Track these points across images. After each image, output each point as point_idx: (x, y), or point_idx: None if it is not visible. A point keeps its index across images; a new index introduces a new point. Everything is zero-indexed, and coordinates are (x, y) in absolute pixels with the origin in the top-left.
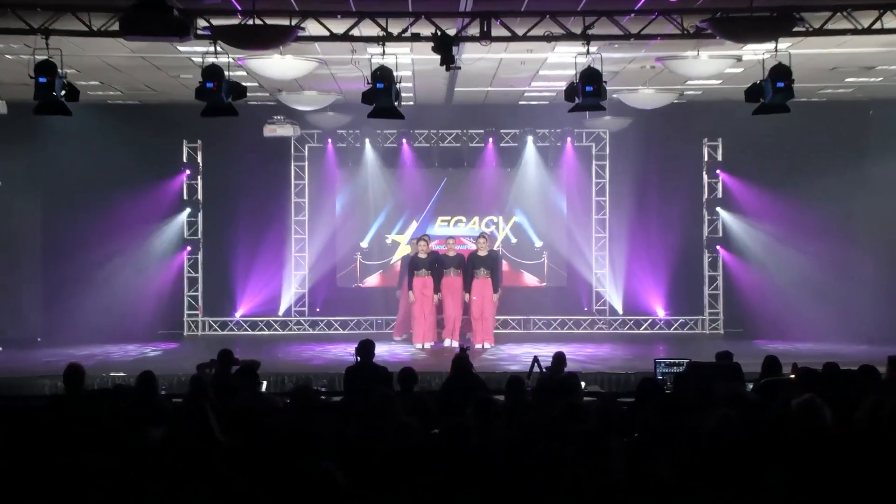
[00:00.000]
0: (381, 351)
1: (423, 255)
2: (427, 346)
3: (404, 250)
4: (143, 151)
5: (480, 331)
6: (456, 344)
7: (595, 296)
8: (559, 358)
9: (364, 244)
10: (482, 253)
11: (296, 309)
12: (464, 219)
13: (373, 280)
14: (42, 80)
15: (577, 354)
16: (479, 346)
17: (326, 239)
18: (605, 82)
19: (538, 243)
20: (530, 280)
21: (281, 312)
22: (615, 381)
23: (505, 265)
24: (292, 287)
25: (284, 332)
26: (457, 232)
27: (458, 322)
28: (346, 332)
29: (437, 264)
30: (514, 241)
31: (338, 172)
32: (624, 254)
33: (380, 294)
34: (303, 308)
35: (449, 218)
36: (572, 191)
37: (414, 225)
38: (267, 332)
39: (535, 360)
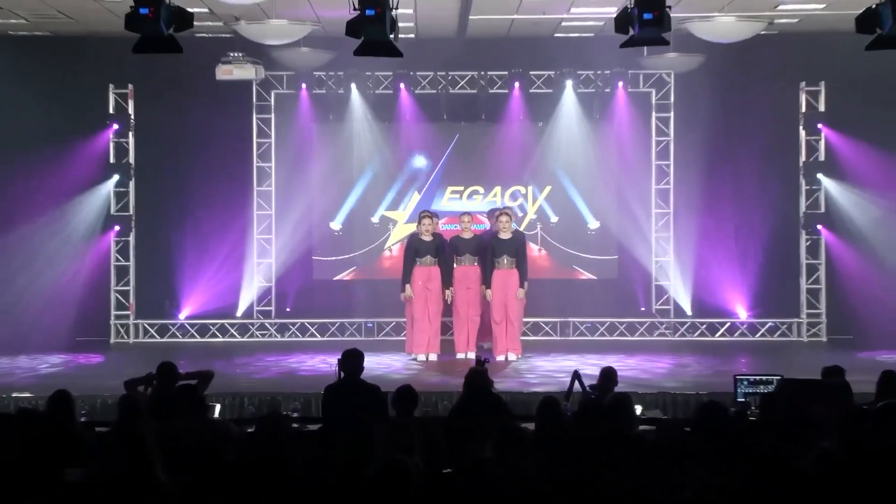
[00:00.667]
0: (372, 363)
1: (426, 238)
2: (432, 357)
3: (403, 231)
4: (54, 100)
5: (503, 338)
6: (471, 355)
7: (655, 291)
8: (608, 374)
9: (340, 224)
10: (505, 235)
11: (259, 309)
12: (481, 189)
13: (361, 270)
14: None
15: (632, 369)
16: (501, 357)
17: (299, 216)
18: (670, 7)
19: (593, 224)
20: (570, 271)
21: (240, 313)
22: (682, 404)
23: (533, 250)
24: (255, 280)
25: (244, 340)
26: (472, 207)
27: (475, 326)
28: (325, 338)
29: (445, 249)
30: (554, 220)
31: (314, 128)
32: (694, 236)
33: (369, 289)
34: (268, 307)
35: (462, 188)
36: (625, 152)
37: (416, 198)
38: (221, 340)
39: (576, 376)
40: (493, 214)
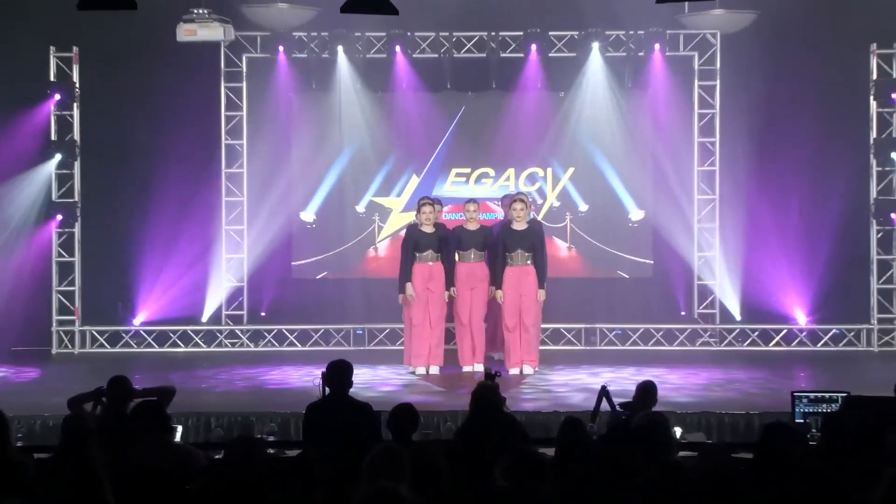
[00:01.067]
0: (363, 378)
1: (427, 229)
2: (434, 370)
3: (399, 222)
4: None
5: (517, 347)
6: (479, 368)
7: (698, 292)
8: (647, 389)
9: (314, 215)
10: (519, 225)
11: (228, 313)
12: (491, 172)
13: (351, 268)
14: None
15: (670, 384)
16: (514, 370)
17: (276, 203)
18: None
19: (636, 215)
20: (598, 269)
21: (205, 318)
22: (729, 426)
23: (561, 248)
24: (223, 280)
25: (211, 350)
26: (480, 193)
27: (481, 334)
28: (306, 348)
29: (449, 243)
30: (582, 208)
31: (294, 99)
32: (744, 226)
33: (360, 289)
34: (239, 311)
35: (468, 171)
36: (662, 128)
37: (414, 182)
38: (184, 350)
39: (604, 392)
40: (507, 201)
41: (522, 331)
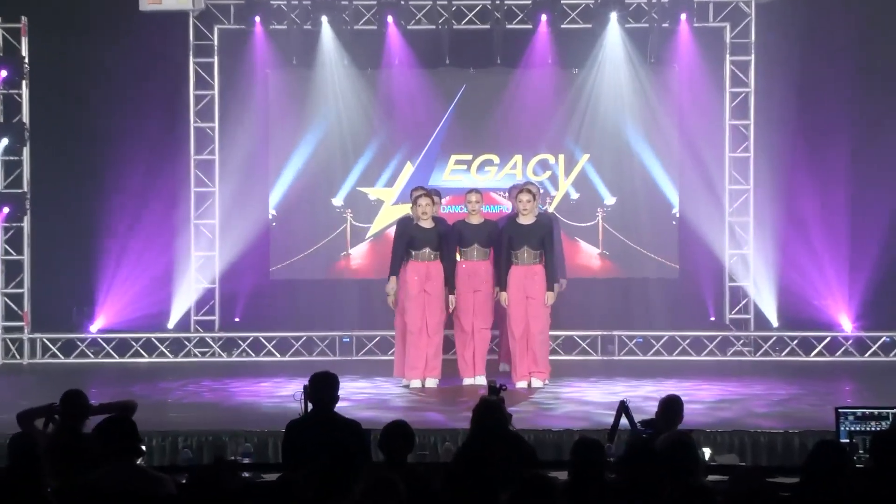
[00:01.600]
0: (350, 392)
1: (425, 224)
2: (431, 384)
3: (391, 215)
4: None
5: (524, 358)
6: (482, 380)
7: (730, 295)
8: (671, 405)
9: (275, 208)
10: (526, 219)
11: (198, 319)
12: (495, 159)
13: (336, 267)
14: None
15: (699, 399)
16: (522, 383)
17: (252, 194)
18: None
19: (663, 208)
20: (620, 269)
21: (172, 325)
22: (765, 446)
23: (590, 254)
24: (192, 281)
25: (178, 360)
26: (484, 182)
27: (485, 342)
28: (286, 358)
29: (449, 239)
30: (609, 202)
31: (272, 76)
32: (781, 220)
33: (348, 290)
34: (210, 317)
35: (469, 158)
36: (689, 109)
37: (408, 170)
38: (147, 360)
39: (623, 408)
40: (514, 192)
41: (530, 338)
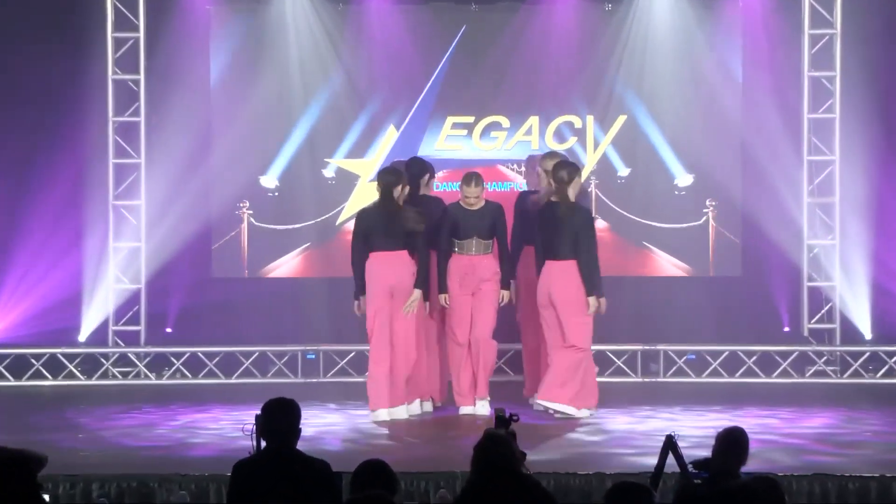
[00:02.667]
0: (317, 424)
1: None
2: (415, 413)
3: (369, 195)
4: None
5: (547, 376)
6: (484, 409)
7: (808, 300)
8: (732, 440)
9: (272, 180)
10: (551, 198)
11: (118, 329)
12: (504, 121)
13: (294, 263)
14: None
15: (769, 432)
16: (540, 403)
17: (189, 166)
18: None
19: (683, 180)
20: (656, 263)
21: (84, 337)
22: (854, 493)
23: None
24: (110, 281)
25: (92, 383)
26: (489, 152)
27: (490, 356)
28: (232, 380)
29: (439, 228)
30: (622, 173)
31: (215, 14)
32: (876, 202)
33: (313, 292)
34: (135, 327)
35: (471, 119)
36: (757, 58)
37: (392, 135)
38: (52, 383)
39: (671, 445)
40: (533, 163)
41: (555, 353)
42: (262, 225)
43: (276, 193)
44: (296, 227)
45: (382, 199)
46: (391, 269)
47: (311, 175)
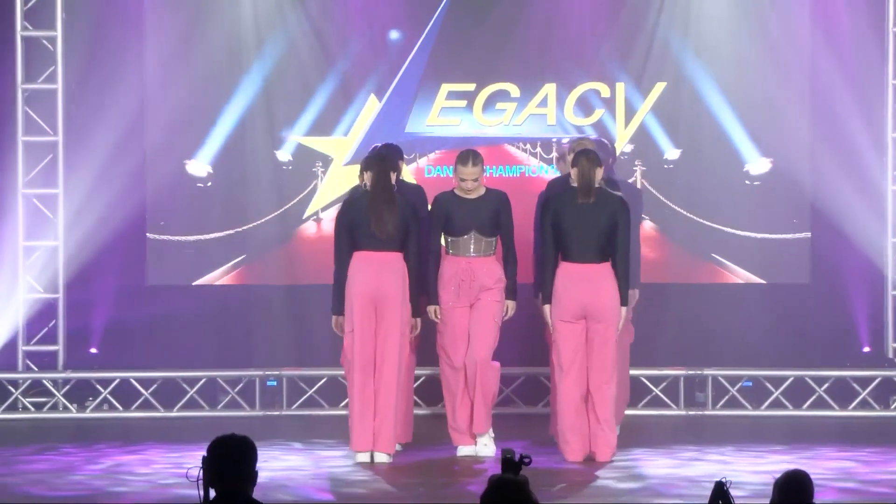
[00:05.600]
0: (279, 468)
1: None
2: (383, 458)
3: (343, 181)
4: None
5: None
6: (488, 448)
7: (893, 314)
8: (792, 487)
9: (208, 165)
10: (588, 196)
11: (30, 350)
12: (513, 90)
13: (257, 265)
14: None
15: (842, 476)
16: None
17: (118, 145)
18: None
19: (757, 167)
20: (701, 268)
21: None
22: None
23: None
24: (20, 289)
25: None
26: (491, 127)
27: (493, 384)
28: (172, 413)
29: (427, 221)
30: (671, 156)
31: None
32: None
33: (273, 304)
34: (50, 346)
35: (472, 87)
36: (831, 27)
37: (373, 107)
38: None
39: (722, 492)
40: (562, 150)
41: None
42: (180, 238)
43: (210, 184)
44: (262, 222)
45: (377, 186)
46: (376, 273)
47: (260, 157)
